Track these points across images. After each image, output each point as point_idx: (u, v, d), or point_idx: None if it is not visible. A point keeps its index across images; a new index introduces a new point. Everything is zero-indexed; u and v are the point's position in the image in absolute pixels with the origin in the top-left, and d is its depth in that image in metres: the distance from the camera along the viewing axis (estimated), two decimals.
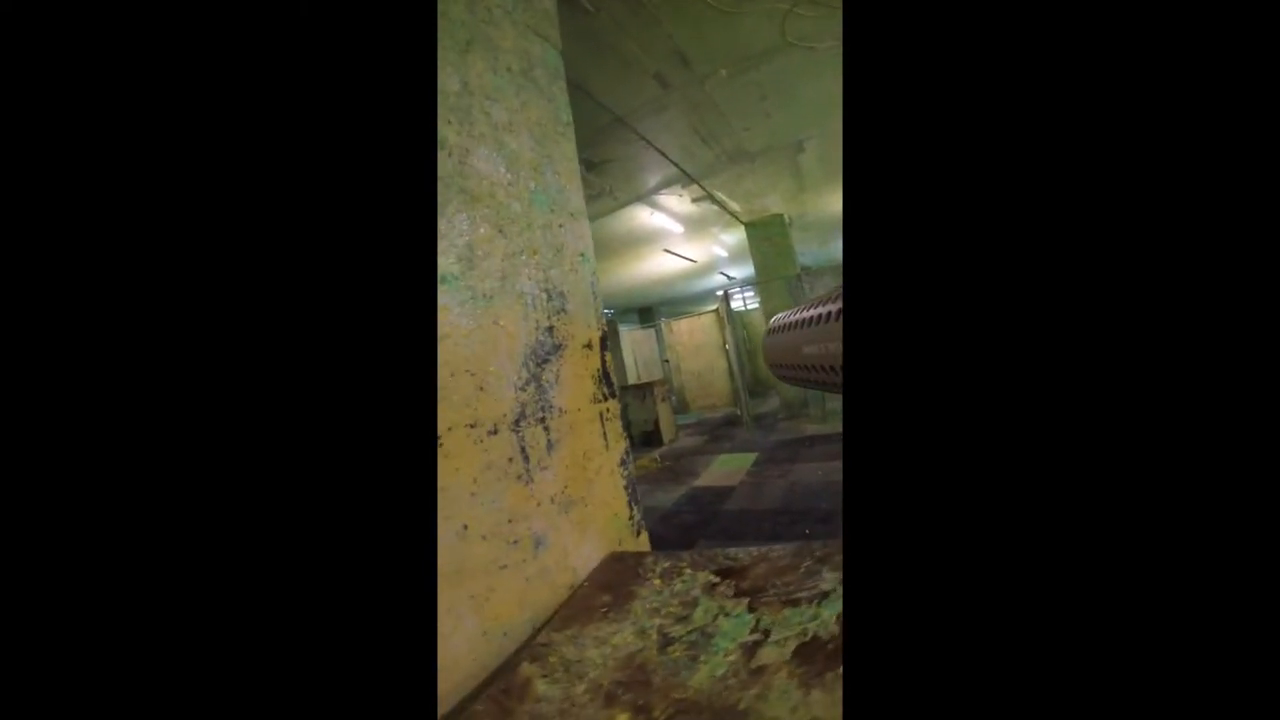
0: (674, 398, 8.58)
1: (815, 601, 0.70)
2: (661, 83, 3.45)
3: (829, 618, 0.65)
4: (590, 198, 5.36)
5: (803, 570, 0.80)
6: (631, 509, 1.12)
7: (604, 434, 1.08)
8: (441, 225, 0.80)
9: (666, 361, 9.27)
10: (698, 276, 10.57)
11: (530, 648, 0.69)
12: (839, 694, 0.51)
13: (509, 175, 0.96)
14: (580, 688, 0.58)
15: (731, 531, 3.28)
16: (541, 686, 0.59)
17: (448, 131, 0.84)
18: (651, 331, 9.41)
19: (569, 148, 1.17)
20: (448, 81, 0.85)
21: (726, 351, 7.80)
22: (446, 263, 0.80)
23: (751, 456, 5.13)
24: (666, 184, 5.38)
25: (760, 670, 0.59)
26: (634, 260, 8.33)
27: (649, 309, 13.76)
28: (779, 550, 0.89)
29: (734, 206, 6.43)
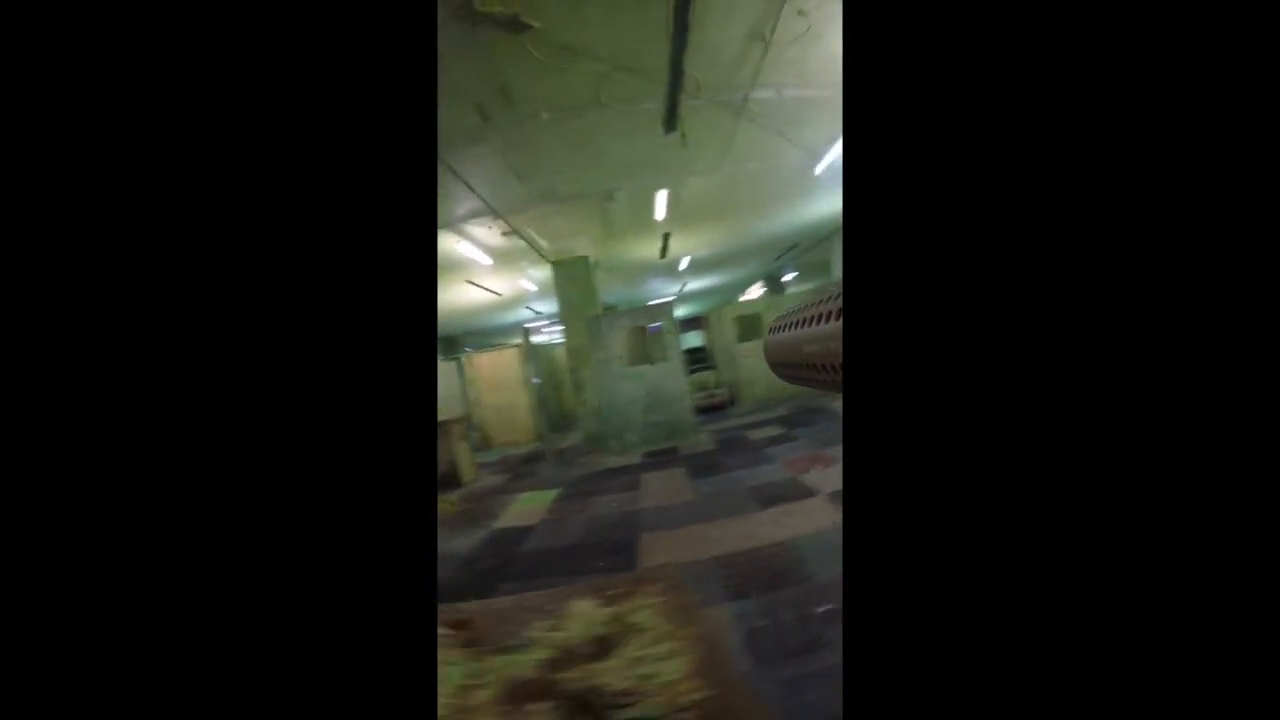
0: (475, 434, 8.15)
1: (519, 650, 0.82)
2: (482, 114, 3.42)
3: (527, 662, 0.78)
4: None
5: (516, 621, 0.91)
6: None
7: None
8: None
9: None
10: (505, 309, 10.41)
11: None
12: None
13: None
14: None
15: (532, 572, 3.22)
16: None
17: None
18: (453, 365, 8.87)
19: None
20: None
21: (533, 384, 7.76)
22: None
23: (552, 493, 5.13)
24: (475, 215, 5.26)
25: (468, 710, 0.70)
26: (439, 289, 7.82)
27: (453, 339, 12.98)
28: (503, 602, 1.01)
29: (542, 244, 6.56)
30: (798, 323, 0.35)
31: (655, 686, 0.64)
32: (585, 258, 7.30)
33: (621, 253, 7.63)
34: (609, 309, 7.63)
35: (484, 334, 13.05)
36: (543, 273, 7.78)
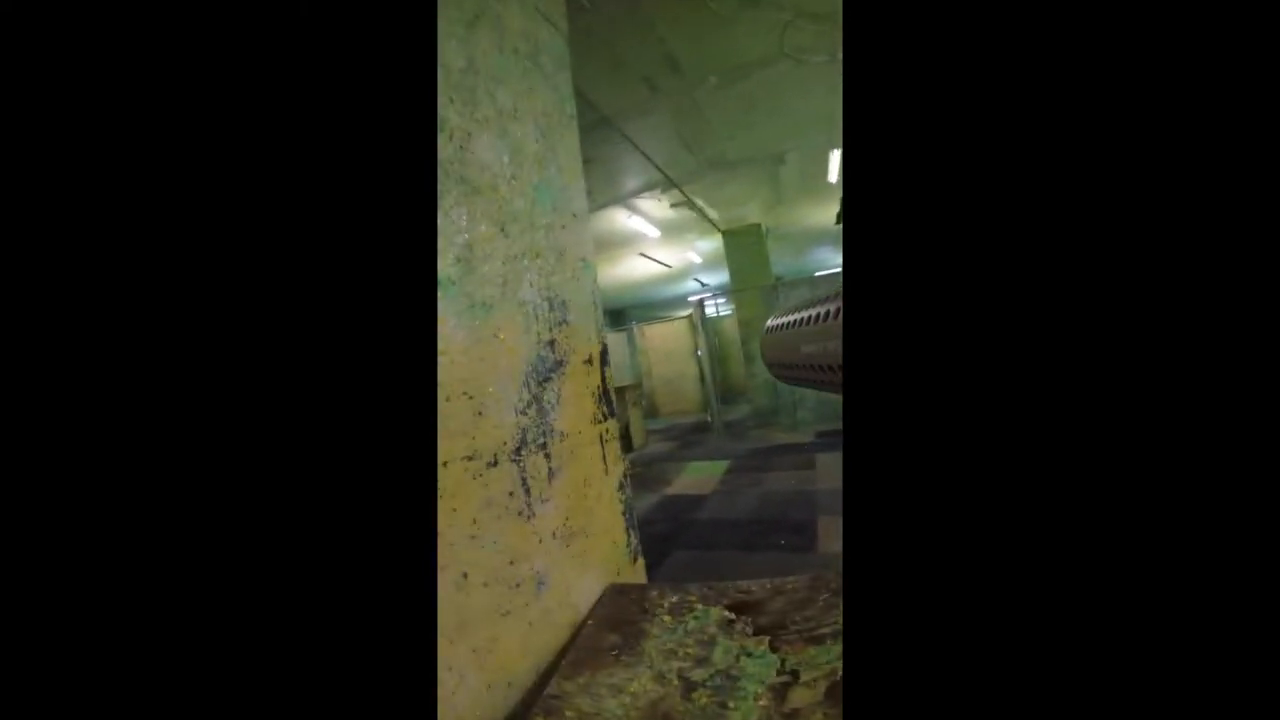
0: (645, 402, 8.52)
1: (839, 638, 0.67)
2: (650, 86, 3.39)
3: (836, 652, 0.63)
4: None
5: (820, 604, 0.76)
6: (629, 535, 1.04)
7: (604, 457, 0.99)
8: (439, 220, 0.70)
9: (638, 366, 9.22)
10: (672, 282, 10.57)
11: (541, 700, 0.61)
12: None
13: (512, 167, 0.86)
14: None
15: (706, 542, 3.22)
16: None
17: (449, 112, 0.74)
18: (624, 335, 9.33)
19: (573, 142, 1.08)
20: (452, 57, 0.75)
21: (698, 358, 7.79)
22: (444, 265, 0.70)
23: (723, 464, 5.10)
24: (646, 188, 5.33)
25: (794, 714, 0.56)
26: (608, 263, 8.24)
27: (620, 312, 13.69)
28: (793, 582, 0.85)
29: (712, 214, 6.42)
30: (794, 323, 0.34)
31: None
32: (757, 225, 6.99)
33: (794, 220, 7.14)
34: (779, 279, 7.23)
35: (653, 306, 13.47)
36: (710, 243, 7.66)
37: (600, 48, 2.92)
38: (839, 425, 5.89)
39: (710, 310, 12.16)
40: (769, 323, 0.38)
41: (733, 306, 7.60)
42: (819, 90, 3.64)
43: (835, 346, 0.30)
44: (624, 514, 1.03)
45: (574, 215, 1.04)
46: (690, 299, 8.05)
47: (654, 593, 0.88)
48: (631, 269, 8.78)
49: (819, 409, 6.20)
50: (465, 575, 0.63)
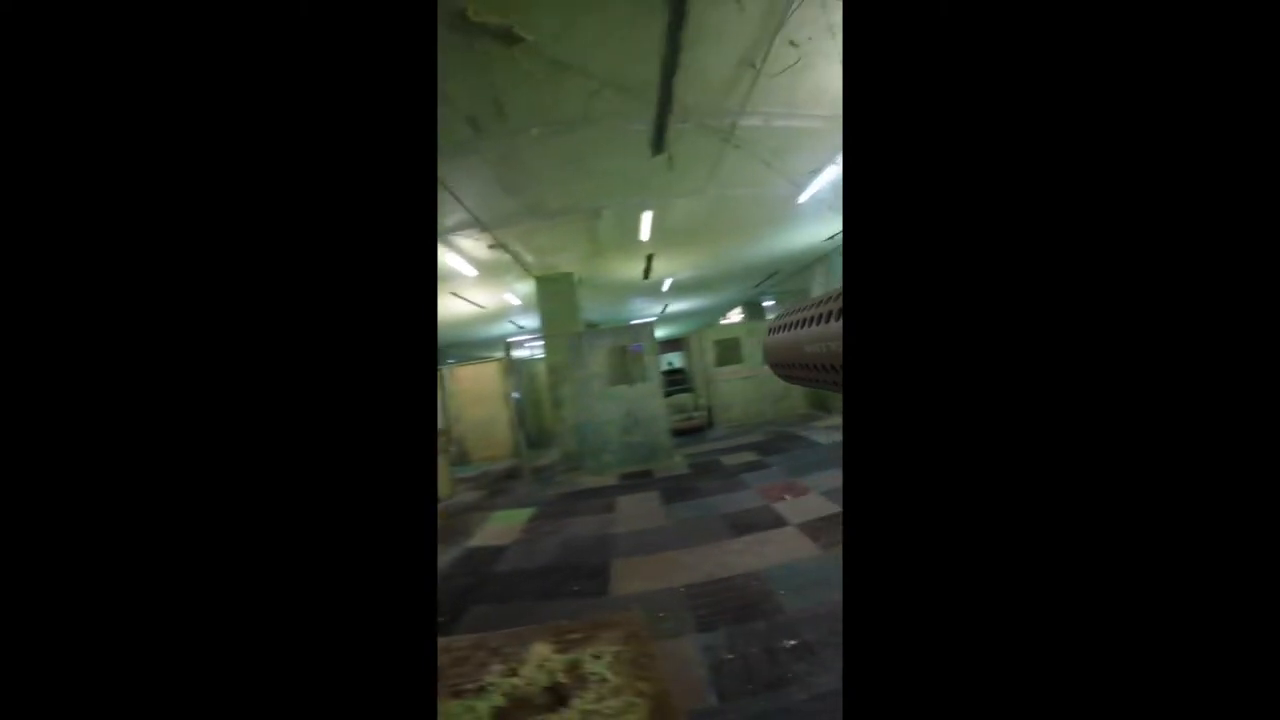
0: (454, 448, 7.98)
1: (474, 695, 0.79)
2: (474, 126, 3.40)
3: (484, 711, 0.72)
4: None
5: (475, 661, 0.88)
6: None
7: None
8: None
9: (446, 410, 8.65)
10: (488, 322, 10.31)
11: None
12: None
13: None
14: None
15: (505, 593, 3.11)
16: None
17: None
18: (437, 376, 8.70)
19: None
20: None
21: (513, 399, 7.65)
22: None
23: (528, 512, 5.02)
24: (463, 227, 5.22)
25: None
26: None
27: (437, 350, 12.80)
28: (461, 641, 0.98)
29: (527, 259, 6.54)
30: (798, 323, 0.35)
31: None
32: (569, 274, 7.29)
33: (605, 271, 7.63)
34: (591, 326, 7.60)
35: (468, 346, 12.91)
36: (527, 287, 7.74)
37: None
38: (640, 467, 6.21)
39: (525, 353, 12.10)
40: (770, 325, 0.39)
41: (545, 350, 7.70)
42: (633, 154, 3.97)
43: (837, 347, 0.30)
44: None
45: None
46: (508, 340, 7.96)
47: None
48: (445, 308, 8.36)
49: (621, 452, 6.52)
50: None
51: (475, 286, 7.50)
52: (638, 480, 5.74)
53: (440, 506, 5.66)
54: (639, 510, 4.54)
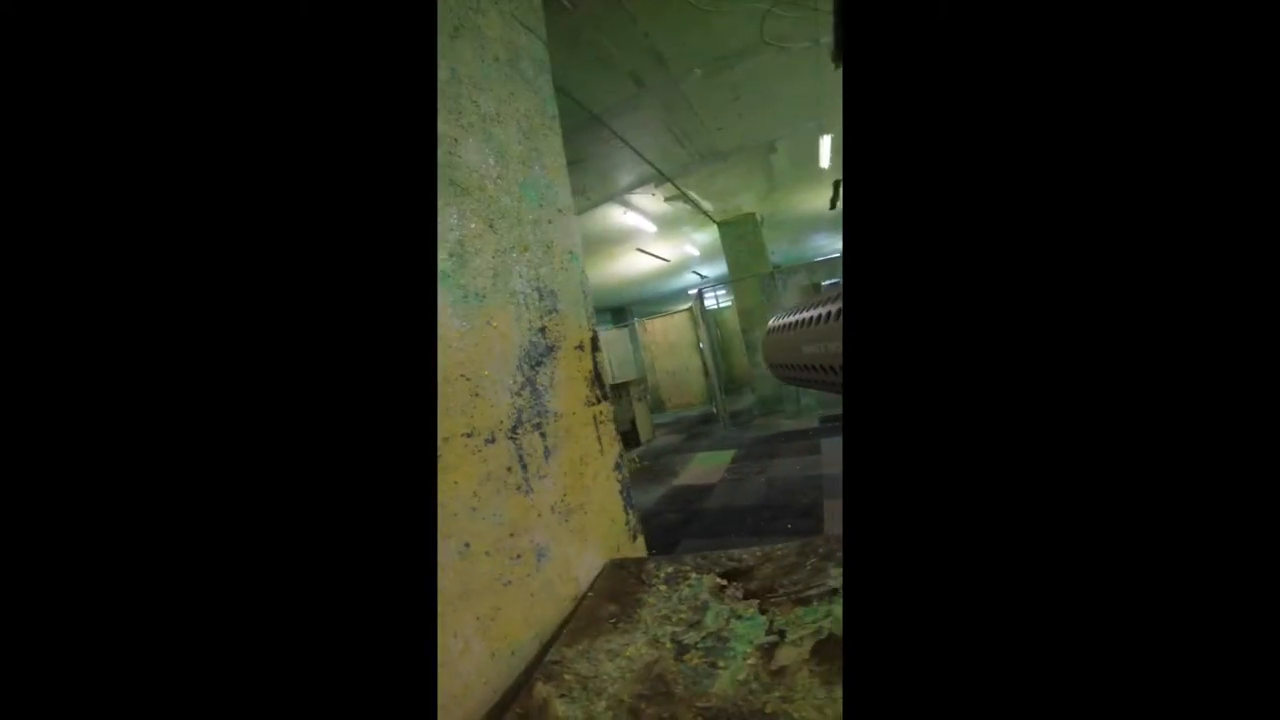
0: (650, 397, 8.57)
1: (826, 598, 0.70)
2: (637, 81, 3.43)
3: (837, 614, 0.65)
4: None
5: (809, 568, 0.80)
6: (627, 513, 1.10)
7: (599, 437, 1.04)
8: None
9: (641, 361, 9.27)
10: (670, 276, 10.60)
11: (542, 666, 0.66)
12: None
13: (498, 167, 0.91)
14: (601, 704, 0.55)
15: (714, 529, 3.28)
16: (561, 707, 0.56)
17: (436, 120, 0.79)
18: (625, 331, 9.37)
19: (556, 142, 1.14)
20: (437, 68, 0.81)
21: (701, 350, 7.83)
22: (439, 259, 0.75)
23: (729, 453, 5.15)
24: (640, 183, 5.37)
25: (781, 672, 0.59)
26: (606, 260, 8.28)
27: (622, 309, 13.73)
28: (783, 548, 0.88)
29: (706, 205, 6.45)
30: (796, 324, 0.34)
31: None
32: (751, 214, 7.01)
33: (788, 207, 7.15)
34: (777, 268, 7.26)
35: (654, 302, 13.51)
36: (707, 235, 7.69)
37: (585, 47, 2.97)
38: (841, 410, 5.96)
39: (711, 302, 12.18)
40: (770, 324, 0.38)
41: (732, 297, 7.62)
42: (804, 76, 3.66)
43: (836, 347, 0.30)
44: (621, 492, 1.08)
45: (559, 210, 1.09)
46: (690, 291, 8.10)
47: (650, 565, 0.93)
48: (630, 265, 8.82)
49: (822, 396, 6.21)
50: (468, 545, 0.69)
51: (656, 241, 7.72)
52: (840, 423, 5.45)
53: (641, 450, 6.16)
54: None
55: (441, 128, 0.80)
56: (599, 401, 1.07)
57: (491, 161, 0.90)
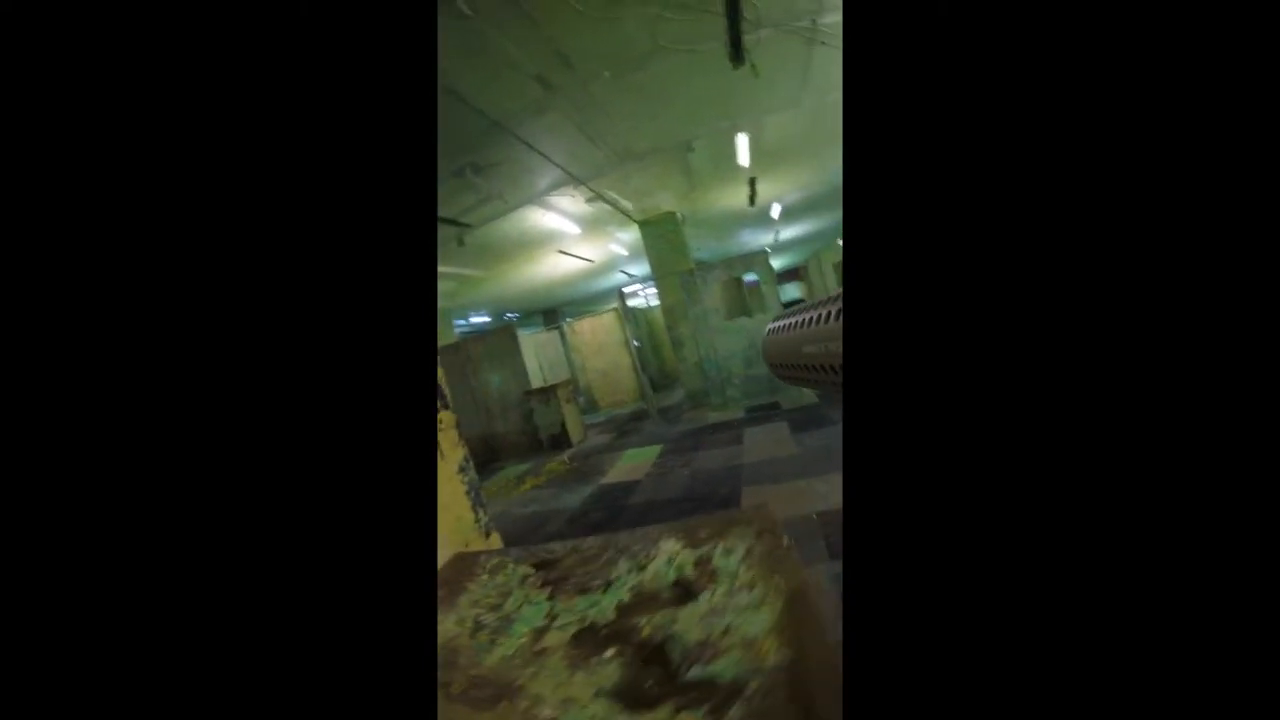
0: (582, 398, 8.58)
1: (601, 589, 0.79)
2: (543, 84, 3.42)
3: (608, 605, 0.75)
4: (479, 202, 5.20)
5: (603, 560, 0.88)
6: (476, 512, 1.16)
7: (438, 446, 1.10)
8: None
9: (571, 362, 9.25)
10: (599, 275, 10.63)
11: None
12: (600, 676, 0.61)
13: None
14: None
15: (638, 524, 3.36)
16: None
17: None
18: (556, 333, 9.32)
19: None
20: None
21: (631, 348, 7.93)
22: None
23: (656, 449, 5.28)
24: (558, 185, 5.35)
25: (541, 652, 0.69)
26: (529, 263, 8.19)
27: (553, 310, 13.60)
28: (590, 542, 0.97)
29: (626, 205, 6.53)
30: (797, 324, 0.34)
31: (733, 641, 0.61)
32: (672, 213, 7.17)
33: (708, 204, 7.38)
34: (701, 264, 7.48)
35: (582, 302, 13.49)
36: (632, 234, 7.79)
37: (487, 53, 2.93)
38: (767, 399, 6.13)
39: (640, 301, 12.29)
40: (770, 324, 0.39)
41: (658, 294, 7.77)
42: (713, 75, 3.72)
43: (836, 347, 0.30)
44: (468, 493, 1.14)
45: None
46: (621, 289, 8.17)
47: (484, 557, 1.02)
48: (556, 266, 8.77)
49: (746, 386, 6.50)
50: None
51: (581, 242, 7.73)
52: (765, 412, 5.72)
53: (574, 450, 6.18)
54: (767, 441, 4.55)
55: None
56: (438, 412, 1.13)
57: None
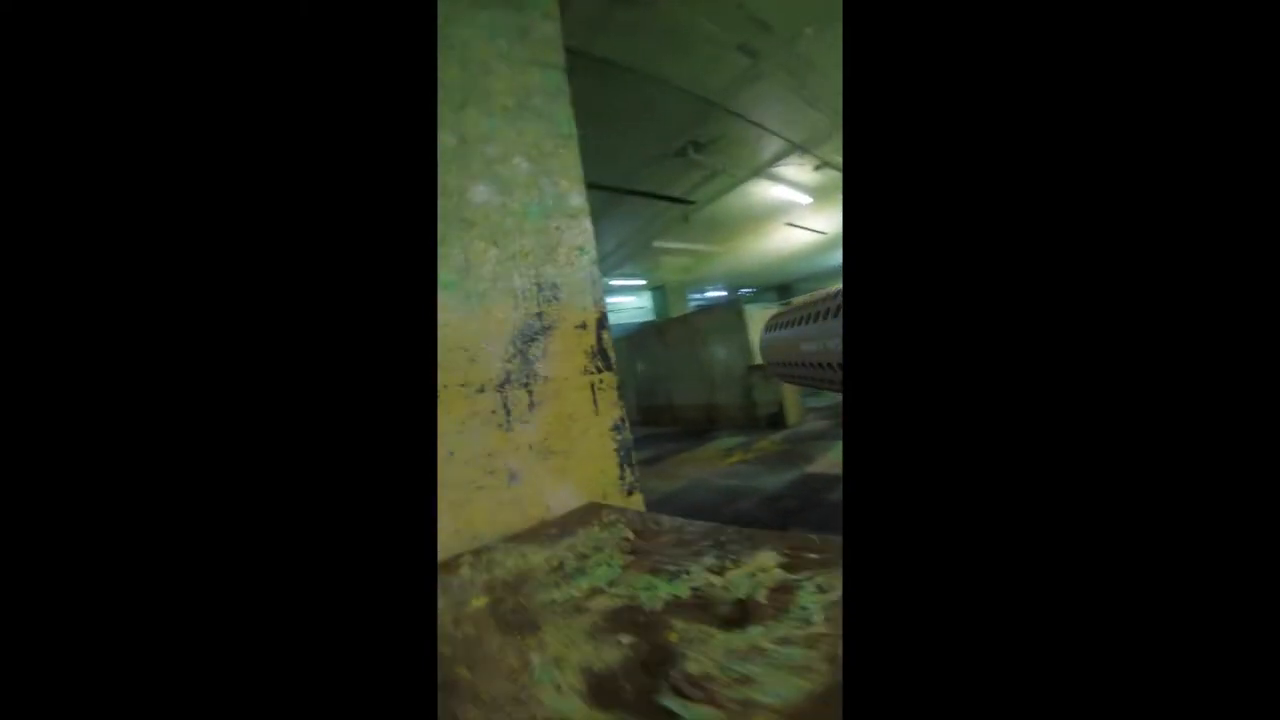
0: None
1: (668, 578, 0.76)
2: (748, 53, 3.39)
3: (664, 594, 0.71)
4: (705, 179, 5.42)
5: (694, 548, 0.85)
6: (623, 470, 1.31)
7: (594, 401, 1.29)
8: (442, 249, 1.08)
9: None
10: (834, 248, 9.92)
11: (484, 549, 0.95)
12: (600, 655, 0.59)
13: (501, 198, 1.20)
14: (482, 577, 0.82)
15: (828, 521, 3.20)
16: (465, 569, 0.85)
17: (447, 178, 1.11)
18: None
19: (570, 156, 1.38)
20: (445, 138, 1.13)
21: None
22: (446, 274, 1.08)
23: None
24: (783, 154, 5.22)
25: (580, 609, 0.69)
26: (758, 237, 8.14)
27: (787, 286, 13.25)
28: (694, 526, 0.96)
29: None
30: (795, 321, 0.37)
31: (733, 696, 0.50)
32: None
33: None
34: None
35: (820, 277, 12.76)
36: None
37: (681, 34, 3.02)
38: None
39: None
40: (767, 322, 0.36)
41: None
42: None
43: (836, 345, 0.32)
44: (617, 450, 1.31)
45: (570, 215, 1.34)
46: None
47: (606, 512, 1.09)
48: (786, 240, 8.53)
49: None
50: (451, 454, 1.01)
51: (812, 213, 7.36)
52: None
53: (787, 433, 6.05)
54: None
55: (452, 183, 1.11)
56: (599, 371, 1.31)
57: (496, 196, 1.19)
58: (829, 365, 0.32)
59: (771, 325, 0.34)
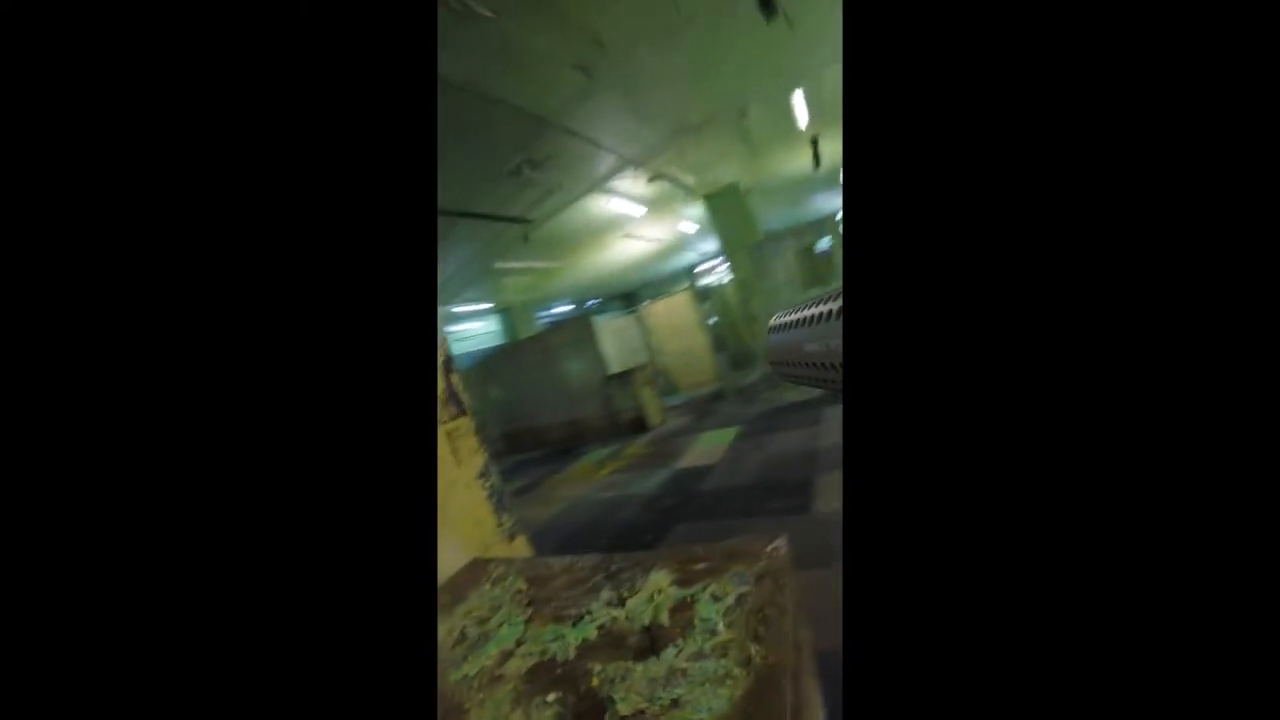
0: (661, 380, 8.58)
1: (572, 621, 0.77)
2: (583, 71, 3.38)
3: (572, 641, 0.72)
4: (542, 196, 5.30)
5: (589, 585, 0.85)
6: (499, 516, 1.15)
7: (453, 452, 1.09)
8: None
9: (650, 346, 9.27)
10: (672, 255, 10.51)
11: None
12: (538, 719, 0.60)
13: None
14: None
15: (708, 511, 3.31)
16: None
17: None
18: (630, 318, 9.38)
19: None
20: None
21: (707, 327, 7.78)
22: None
23: (733, 432, 5.15)
24: (617, 169, 5.31)
25: (497, 679, 0.69)
26: (600, 250, 8.27)
27: (632, 294, 13.69)
28: (584, 561, 0.95)
29: (687, 180, 6.35)
30: (798, 322, 0.35)
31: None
32: (734, 184, 6.87)
33: (772, 172, 6.97)
34: (771, 235, 7.12)
35: (656, 285, 13.43)
36: (698, 210, 7.57)
37: (518, 52, 2.93)
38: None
39: (715, 278, 11.98)
40: (772, 322, 0.40)
41: (731, 269, 7.52)
42: (753, 34, 3.51)
43: (837, 345, 0.31)
44: (489, 497, 1.14)
45: None
46: (694, 270, 8.01)
47: (493, 565, 1.05)
48: (625, 251, 8.78)
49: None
50: None
51: (648, 223, 7.66)
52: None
53: (652, 435, 6.21)
54: None
55: None
56: (453, 419, 1.11)
57: None
58: (831, 366, 0.32)
59: (775, 326, 0.32)
